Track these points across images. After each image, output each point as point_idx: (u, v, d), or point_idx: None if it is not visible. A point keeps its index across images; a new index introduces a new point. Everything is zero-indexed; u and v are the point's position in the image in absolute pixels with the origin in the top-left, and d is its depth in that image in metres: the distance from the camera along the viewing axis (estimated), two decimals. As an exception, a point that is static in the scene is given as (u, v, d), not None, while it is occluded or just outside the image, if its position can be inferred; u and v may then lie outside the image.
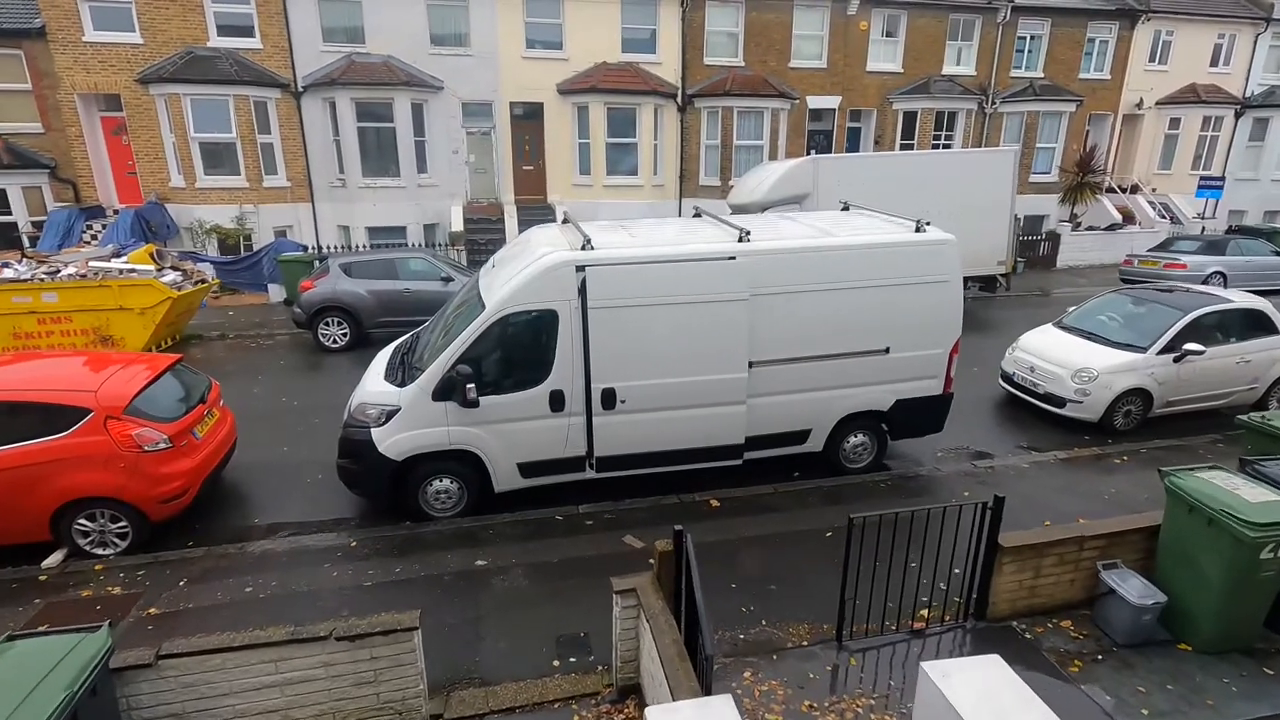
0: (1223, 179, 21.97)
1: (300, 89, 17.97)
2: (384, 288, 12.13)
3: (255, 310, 15.28)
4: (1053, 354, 9.14)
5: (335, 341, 12.11)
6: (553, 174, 20.23)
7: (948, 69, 22.42)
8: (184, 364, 7.18)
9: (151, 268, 11.74)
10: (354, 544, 6.28)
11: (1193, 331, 8.68)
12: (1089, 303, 10.00)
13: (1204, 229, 21.77)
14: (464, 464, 6.55)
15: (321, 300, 11.89)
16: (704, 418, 6.81)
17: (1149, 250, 18.32)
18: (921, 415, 7.60)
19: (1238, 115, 24.89)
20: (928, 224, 7.23)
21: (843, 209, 8.49)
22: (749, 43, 20.59)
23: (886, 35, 21.81)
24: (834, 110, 21.88)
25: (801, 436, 7.33)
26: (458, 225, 18.45)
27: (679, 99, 20.26)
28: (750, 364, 6.76)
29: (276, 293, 15.94)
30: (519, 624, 5.19)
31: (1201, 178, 22.43)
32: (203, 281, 12.89)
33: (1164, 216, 23.36)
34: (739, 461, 7.14)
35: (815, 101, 21.58)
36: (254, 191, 17.75)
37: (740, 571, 5.82)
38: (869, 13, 21.23)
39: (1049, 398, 8.99)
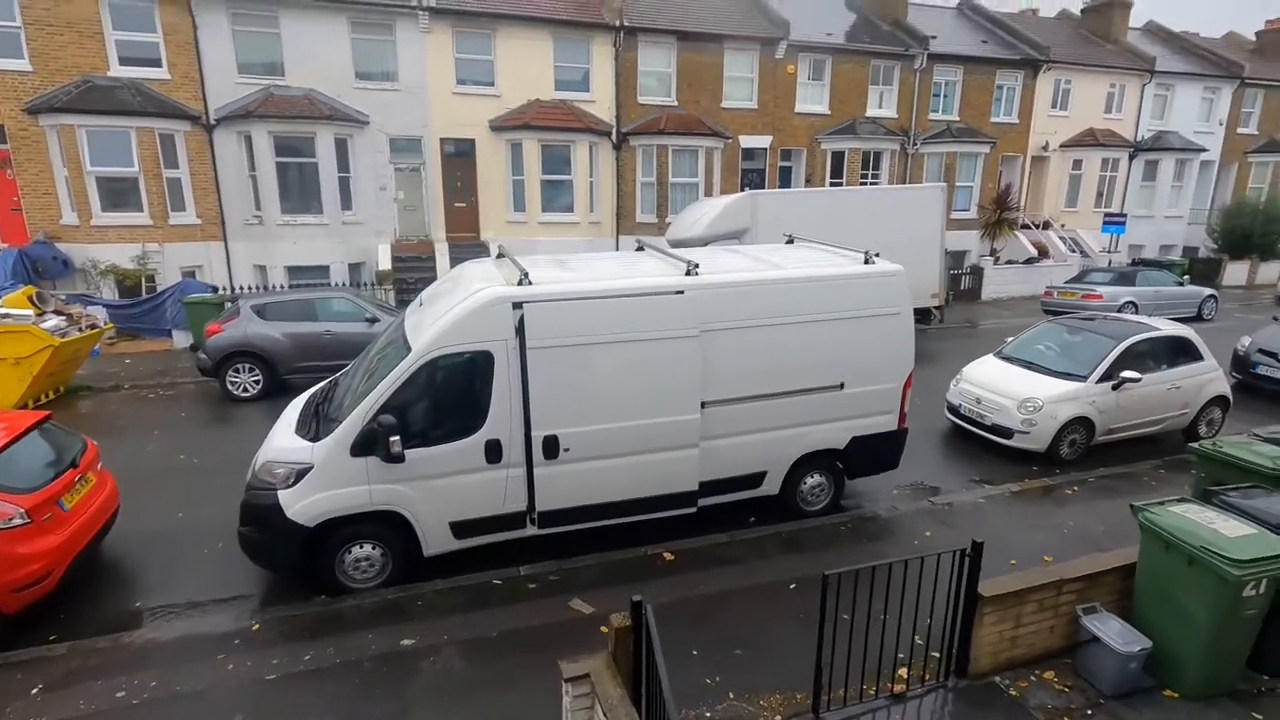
0: (1124, 215, 23.43)
1: (213, 122, 16.93)
2: (302, 330, 11.21)
3: (156, 358, 13.95)
4: (997, 385, 9.13)
5: (246, 390, 11.06)
6: (486, 211, 19.69)
7: (871, 111, 23.27)
8: (53, 422, 6.20)
9: (30, 312, 10.48)
10: (256, 627, 5.41)
11: (1127, 359, 8.82)
12: (1026, 333, 10.12)
13: (1110, 262, 23.05)
14: (388, 526, 5.81)
15: (230, 345, 10.86)
16: (655, 464, 6.31)
17: (1066, 282, 19.17)
18: (878, 452, 7.33)
19: (1131, 157, 26.80)
20: (876, 255, 7.06)
21: (787, 242, 8.29)
22: (682, 83, 20.82)
23: (812, 79, 22.50)
24: (766, 149, 22.29)
25: (757, 479, 6.92)
26: (386, 264, 17.59)
27: (614, 137, 20.19)
28: (703, 404, 6.34)
29: (182, 338, 14.63)
30: (453, 718, 4.47)
31: (1106, 214, 23.87)
32: (94, 327, 11.65)
33: (1074, 250, 24.68)
34: (693, 510, 6.65)
35: (748, 141, 21.95)
36: (159, 229, 16.45)
37: (702, 635, 5.28)
38: (795, 56, 21.88)
39: (996, 429, 8.93)
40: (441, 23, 18.23)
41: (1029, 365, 9.33)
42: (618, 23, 19.47)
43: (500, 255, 6.97)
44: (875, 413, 7.14)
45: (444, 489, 5.80)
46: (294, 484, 5.55)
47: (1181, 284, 18.58)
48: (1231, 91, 28.43)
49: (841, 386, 6.88)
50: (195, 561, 6.43)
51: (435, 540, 5.93)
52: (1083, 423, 8.68)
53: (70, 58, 15.77)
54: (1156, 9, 33.59)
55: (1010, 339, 10.24)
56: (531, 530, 6.19)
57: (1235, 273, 25.80)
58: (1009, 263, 23.71)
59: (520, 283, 5.85)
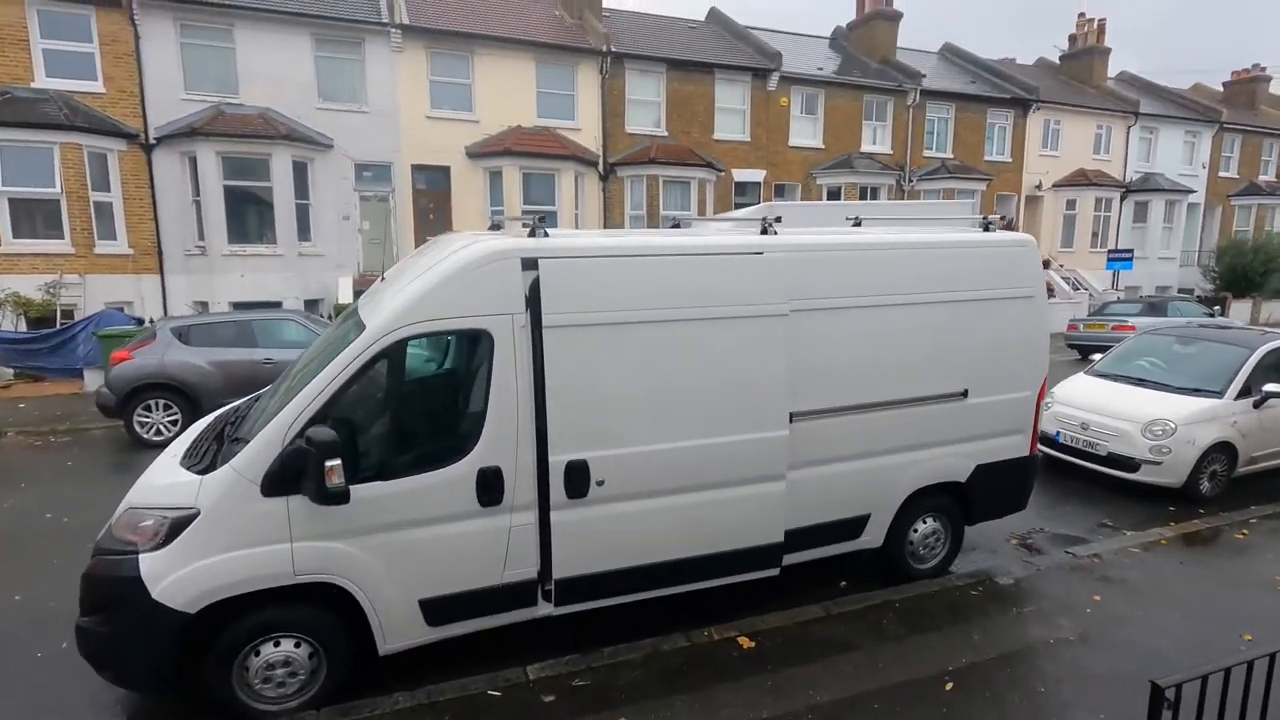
0: (1130, 251, 22.64)
1: (153, 141, 15.06)
2: (236, 358, 9.04)
3: (60, 402, 11.56)
4: (1107, 406, 7.37)
5: (160, 432, 8.77)
6: (461, 244, 17.88)
7: (865, 147, 22.44)
8: None
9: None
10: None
11: (1265, 372, 7.18)
12: (1121, 346, 8.48)
13: (1119, 297, 22.08)
14: (322, 609, 3.68)
15: (140, 376, 8.64)
16: (727, 505, 4.31)
17: (1091, 315, 17.97)
18: (1006, 487, 5.44)
19: (1122, 198, 26.39)
20: (997, 220, 5.36)
21: (854, 224, 6.57)
22: (671, 113, 19.69)
23: (805, 112, 21.63)
24: (759, 183, 21.12)
25: (857, 526, 4.94)
26: (347, 299, 15.55)
27: (600, 167, 18.80)
28: (791, 416, 4.41)
29: (95, 379, 12.25)
30: None
31: (1110, 251, 23.10)
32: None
33: (1078, 288, 23.75)
34: (775, 571, 4.63)
35: (741, 174, 20.77)
36: (82, 259, 14.26)
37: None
38: (788, 89, 21.03)
39: (1115, 460, 7.12)
40: (415, 42, 16.87)
41: (1139, 382, 7.63)
42: (604, 48, 18.36)
43: (497, 227, 5.06)
44: (1004, 431, 5.29)
45: (412, 547, 3.72)
46: (165, 542, 3.42)
47: (1212, 315, 17.48)
48: (1212, 135, 28.57)
49: (964, 395, 5.03)
50: (25, 669, 4.16)
51: (397, 628, 3.79)
52: (1225, 449, 6.94)
53: (-13, 65, 13.88)
54: (1120, 62, 34.30)
55: (1097, 356, 8.58)
56: (545, 609, 4.10)
57: (1239, 311, 25.10)
58: (1015, 301, 22.55)
59: (533, 234, 3.95)
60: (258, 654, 3.60)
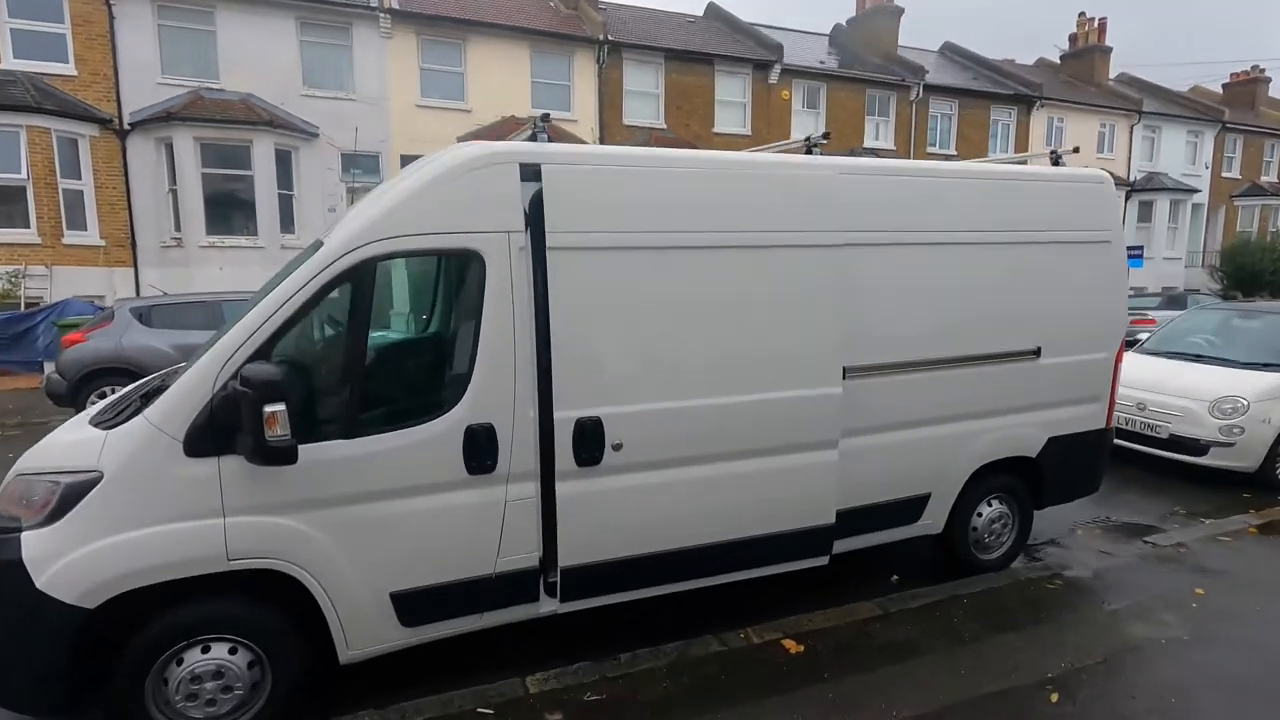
0: (1141, 248, 22.10)
1: (127, 126, 14.29)
2: (203, 342, 8.22)
3: (16, 396, 10.69)
4: (1165, 384, 6.66)
5: (116, 423, 7.93)
6: (453, 238, 17.15)
7: (869, 142, 21.86)
8: None
9: None
10: None
11: (1338, 345, 6.50)
12: (1174, 323, 7.79)
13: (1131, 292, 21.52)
14: (265, 605, 2.88)
15: (95, 359, 7.82)
16: (768, 477, 3.55)
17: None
18: (1080, 464, 4.70)
19: (1127, 197, 25.93)
20: (1065, 153, 4.66)
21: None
22: (670, 105, 19.07)
23: (807, 106, 21.07)
24: (761, 179, 20.46)
25: (916, 507, 4.17)
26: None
27: (598, 159, 18.10)
28: (844, 371, 3.66)
29: (57, 373, 11.42)
30: None
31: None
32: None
33: (1086, 288, 23.18)
34: (825, 560, 3.86)
35: (742, 169, 20.11)
36: (49, 249, 13.44)
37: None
38: (790, 82, 20.48)
39: (1177, 443, 6.40)
40: (405, 28, 16.20)
41: (1197, 358, 6.92)
42: (601, 37, 17.76)
43: None
44: (1079, 399, 4.56)
45: (382, 526, 2.94)
46: (56, 516, 2.62)
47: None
48: (1214, 135, 28.23)
49: (1037, 354, 4.30)
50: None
51: (363, 629, 2.99)
52: (1302, 429, 6.22)
53: (-50, 44, 13.12)
54: (1119, 64, 34.10)
55: (1145, 334, 7.89)
56: (549, 605, 3.31)
57: (1249, 311, 24.57)
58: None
59: (534, 137, 3.21)
60: (180, 663, 2.79)
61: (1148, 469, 6.65)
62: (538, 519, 3.19)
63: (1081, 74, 27.99)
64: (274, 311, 2.77)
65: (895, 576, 4.53)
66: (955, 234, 3.97)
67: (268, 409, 2.50)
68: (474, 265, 3.00)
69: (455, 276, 3.14)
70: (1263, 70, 31.90)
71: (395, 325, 4.17)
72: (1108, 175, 4.64)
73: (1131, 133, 26.50)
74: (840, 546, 3.89)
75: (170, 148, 14.29)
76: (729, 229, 3.35)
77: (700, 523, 3.47)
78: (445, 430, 2.97)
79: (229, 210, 14.85)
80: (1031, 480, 4.55)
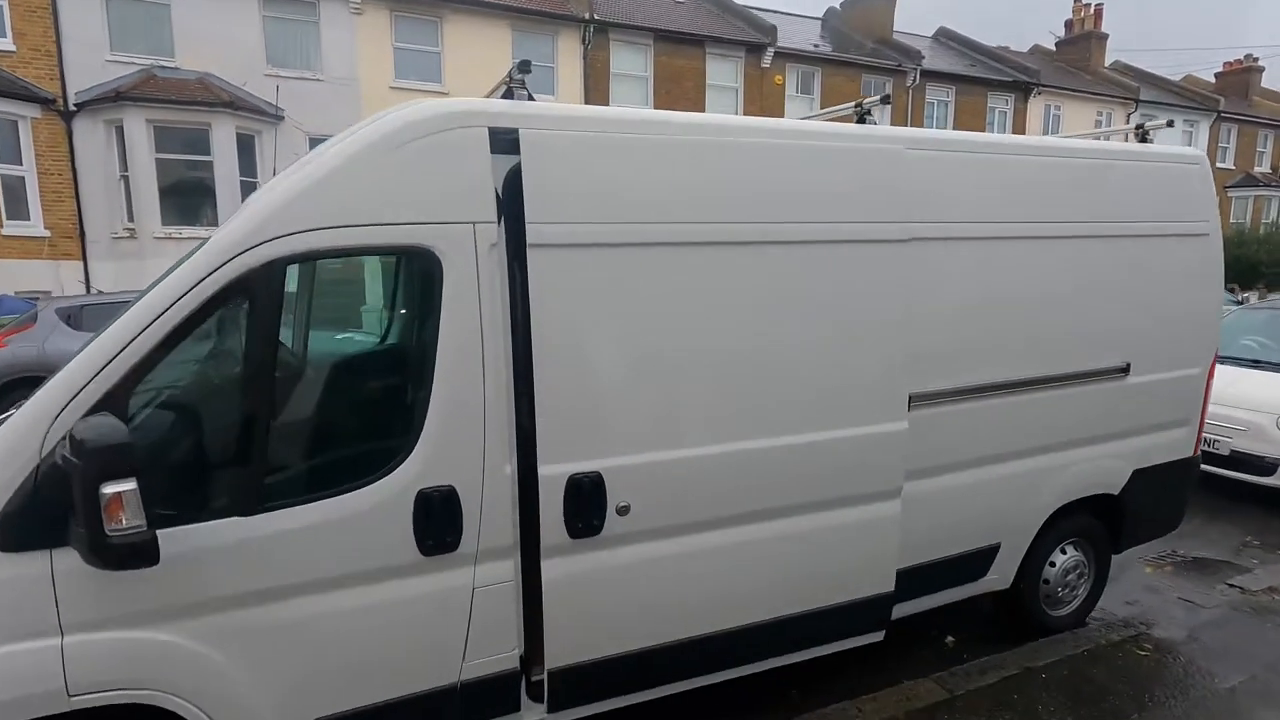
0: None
1: (73, 107, 13.16)
2: (141, 347, 7.29)
3: (-59, 404, 9.65)
4: (1224, 393, 5.93)
5: (40, 440, 6.99)
6: (430, 228, 16.19)
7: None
8: None
9: None
10: None
11: None
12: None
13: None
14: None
15: (12, 368, 6.87)
16: (819, 538, 2.77)
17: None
18: (1164, 499, 3.96)
19: (1124, 187, 25.47)
20: (1156, 126, 3.90)
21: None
22: (659, 89, 18.18)
23: (801, 92, 20.28)
24: (754, 167, 19.67)
25: (983, 561, 3.41)
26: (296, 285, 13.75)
27: (584, 146, 17.20)
28: (910, 400, 2.88)
29: (-11, 378, 10.38)
30: None
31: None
32: None
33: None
34: (880, 636, 3.08)
35: (734, 156, 19.30)
36: (-14, 241, 12.34)
37: None
38: (783, 67, 19.66)
39: (1242, 461, 5.71)
40: (377, 4, 15.17)
41: (1254, 364, 6.24)
42: (587, 15, 16.81)
43: None
44: (1168, 423, 3.81)
45: (297, 631, 2.11)
46: None
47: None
48: (1209, 125, 27.84)
49: (1125, 371, 3.54)
50: None
51: (277, 771, 2.17)
52: (1381, 445, 5.55)
53: None
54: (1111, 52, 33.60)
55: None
56: (535, 714, 2.50)
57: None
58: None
59: (510, 93, 2.36)
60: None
61: (1207, 488, 5.93)
62: (518, 607, 2.39)
63: (1077, 61, 27.43)
64: (131, 338, 1.92)
65: (950, 638, 3.78)
66: (1036, 225, 3.19)
67: (107, 490, 1.66)
68: (425, 268, 2.18)
69: (400, 283, 2.32)
70: (1256, 59, 31.57)
71: (321, 349, 3.27)
72: (1203, 154, 3.88)
73: (1128, 121, 25.95)
74: (894, 613, 3.13)
75: (121, 131, 13.19)
76: (771, 219, 2.54)
77: (727, 602, 2.68)
78: (389, 497, 2.15)
79: (187, 199, 13.78)
80: (1111, 521, 3.81)
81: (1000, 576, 3.51)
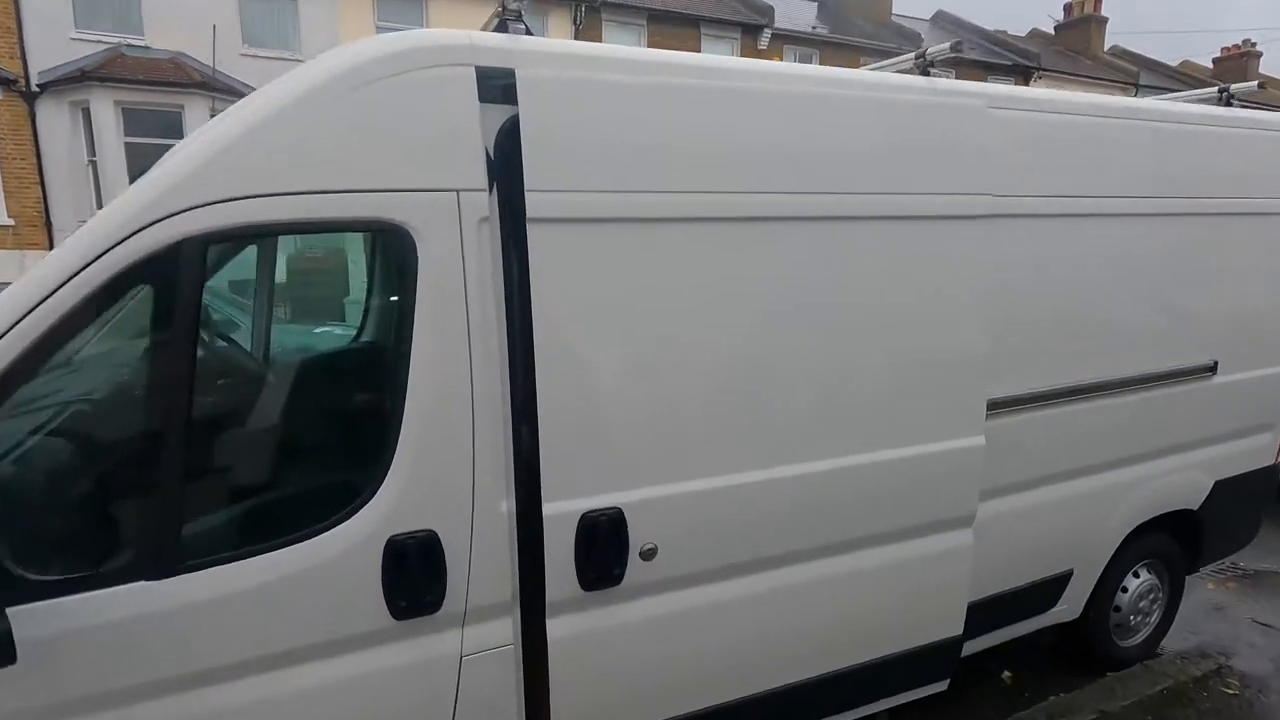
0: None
1: (35, 88, 12.45)
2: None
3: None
4: None
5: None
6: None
7: (863, 114, 20.63)
8: None
9: None
10: None
11: None
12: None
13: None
14: None
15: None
16: (878, 577, 2.30)
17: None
18: (1243, 513, 3.53)
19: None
20: (1244, 89, 3.42)
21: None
22: (654, 71, 17.58)
23: (799, 75, 19.72)
24: (751, 152, 19.17)
25: (1052, 590, 2.96)
26: (279, 276, 13.14)
27: (576, 130, 16.62)
28: (989, 407, 2.40)
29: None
30: None
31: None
32: None
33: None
34: (944, 685, 2.62)
35: (731, 141, 18.80)
36: (-57, 230, 11.65)
37: None
38: (780, 48, 19.09)
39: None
40: (359, -20, 14.47)
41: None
42: (579, -6, 16.18)
43: None
44: (1251, 428, 3.37)
45: (230, 723, 1.61)
46: None
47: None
48: (1208, 110, 27.47)
49: (1212, 370, 3.08)
50: None
51: None
52: None
53: None
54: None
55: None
56: (537, 808, 2.02)
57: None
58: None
59: (503, 25, 1.83)
60: None
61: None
62: (517, 677, 1.90)
63: (1077, 44, 27.00)
64: (-16, 344, 1.40)
65: (1007, 673, 3.33)
66: (1124, 200, 2.70)
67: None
68: (395, 250, 1.68)
69: (369, 269, 1.81)
70: (1254, 44, 31.22)
71: (282, 352, 2.68)
72: (1294, 120, 3.41)
73: (1128, 107, 25.60)
74: (967, 649, 2.67)
75: (87, 113, 12.50)
76: (827, 188, 2.05)
77: (771, 659, 2.21)
78: (349, 548, 1.65)
79: (159, 185, 13.12)
80: (1188, 538, 3.37)
81: (1070, 606, 3.05)
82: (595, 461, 1.85)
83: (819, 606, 2.23)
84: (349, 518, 1.65)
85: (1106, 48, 30.24)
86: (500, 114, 1.74)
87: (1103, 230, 2.63)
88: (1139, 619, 3.36)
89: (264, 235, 1.60)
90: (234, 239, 1.56)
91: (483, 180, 1.71)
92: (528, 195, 1.71)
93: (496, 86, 1.72)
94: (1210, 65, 31.77)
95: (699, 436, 1.96)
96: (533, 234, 1.72)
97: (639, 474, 1.89)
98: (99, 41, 12.82)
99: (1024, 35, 29.30)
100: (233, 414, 1.94)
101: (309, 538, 1.63)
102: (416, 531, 1.69)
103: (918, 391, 2.24)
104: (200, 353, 1.59)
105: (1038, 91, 2.64)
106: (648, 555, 1.92)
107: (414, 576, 1.70)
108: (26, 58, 12.43)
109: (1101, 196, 2.60)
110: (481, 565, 1.78)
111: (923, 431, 2.26)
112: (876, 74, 2.40)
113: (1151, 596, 3.36)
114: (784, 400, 2.06)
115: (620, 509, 1.86)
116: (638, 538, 1.89)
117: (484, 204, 1.71)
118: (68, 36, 12.64)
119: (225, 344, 2.19)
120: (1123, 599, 3.27)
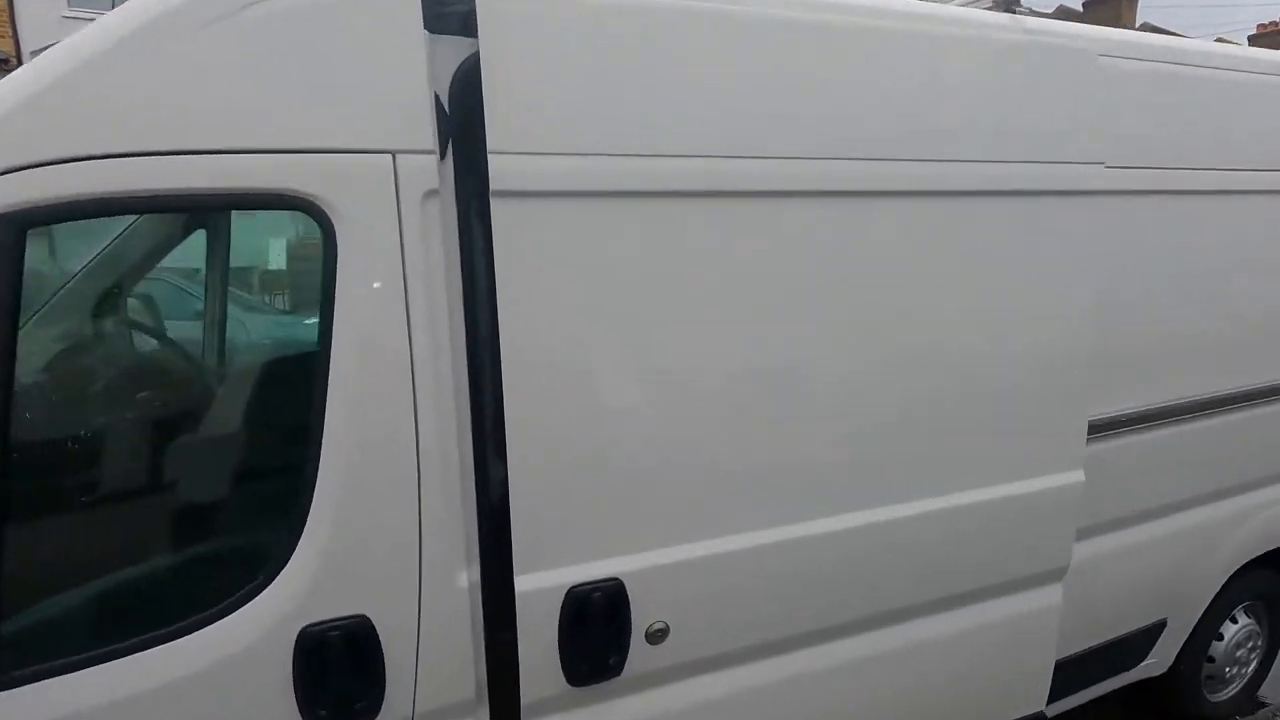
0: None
1: (28, 69, 12.08)
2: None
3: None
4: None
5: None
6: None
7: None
8: None
9: None
10: None
11: None
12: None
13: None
14: None
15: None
16: (947, 648, 1.82)
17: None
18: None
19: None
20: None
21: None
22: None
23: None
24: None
25: (1143, 643, 2.47)
26: (279, 263, 12.78)
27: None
28: (1090, 430, 1.90)
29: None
30: None
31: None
32: None
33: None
34: (1020, 767, 2.15)
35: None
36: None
37: None
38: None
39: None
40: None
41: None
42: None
43: None
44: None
45: None
46: None
47: None
48: (1245, 89, 26.47)
49: (1326, 379, 2.56)
50: None
51: None
52: None
53: None
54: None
55: None
56: None
57: None
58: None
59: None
60: None
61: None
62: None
63: (1106, 20, 25.89)
64: None
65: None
66: (1241, 174, 2.19)
67: None
68: (304, 234, 1.21)
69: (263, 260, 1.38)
70: (1292, 20, 29.98)
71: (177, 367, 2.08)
72: None
73: (1160, 86, 24.67)
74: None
75: (82, 94, 12.15)
76: (887, 153, 1.55)
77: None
78: (246, 645, 1.20)
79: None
80: (1290, 576, 2.87)
81: (1159, 660, 2.57)
82: (586, 517, 1.39)
83: (872, 689, 1.76)
84: (244, 603, 1.20)
85: (1138, 24, 29.17)
86: (456, 49, 1.26)
87: (1223, 210, 2.12)
88: (1234, 669, 2.87)
89: (108, 214, 1.15)
90: (60, 218, 1.10)
91: (430, 139, 1.24)
92: (492, 159, 1.23)
93: (450, 14, 1.24)
94: (1245, 43, 30.61)
95: (723, 483, 1.49)
96: (498, 210, 1.24)
97: (645, 532, 1.43)
98: (92, 20, 12.42)
99: (1050, 12, 28.31)
100: (79, 456, 1.46)
101: (188, 632, 1.18)
102: (341, 618, 1.24)
103: (1003, 416, 1.75)
104: (40, 374, 1.14)
105: (1159, 38, 2.12)
106: (655, 638, 1.45)
107: (338, 678, 1.25)
108: (18, 36, 12.08)
109: (1208, 168, 2.08)
110: (433, 658, 1.32)
111: (1008, 468, 1.77)
112: (963, 11, 1.88)
113: (1250, 645, 2.87)
114: (834, 435, 1.58)
115: (620, 580, 1.40)
116: (643, 616, 1.43)
117: (431, 172, 1.24)
118: (60, 14, 12.29)
119: (84, 353, 1.73)
120: (1218, 648, 2.77)
